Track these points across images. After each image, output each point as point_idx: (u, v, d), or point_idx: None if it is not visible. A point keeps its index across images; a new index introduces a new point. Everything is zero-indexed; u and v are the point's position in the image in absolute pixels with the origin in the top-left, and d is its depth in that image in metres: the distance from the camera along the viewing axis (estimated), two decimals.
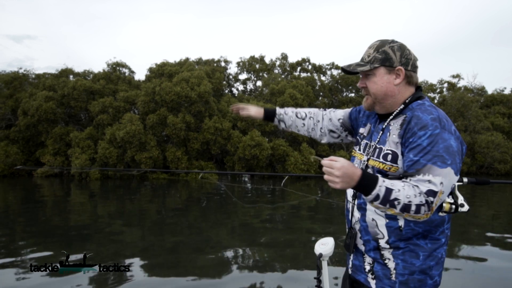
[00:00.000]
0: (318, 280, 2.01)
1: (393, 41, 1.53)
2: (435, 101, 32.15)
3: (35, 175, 22.39)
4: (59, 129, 22.87)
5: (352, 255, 1.65)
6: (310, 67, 33.84)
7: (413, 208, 1.27)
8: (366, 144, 1.62)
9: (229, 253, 6.24)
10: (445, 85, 34.49)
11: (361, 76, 1.57)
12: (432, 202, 1.28)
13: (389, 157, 1.45)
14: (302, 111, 2.02)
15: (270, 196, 13.81)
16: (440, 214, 1.45)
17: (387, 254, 1.48)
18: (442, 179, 1.29)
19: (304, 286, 4.62)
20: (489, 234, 8.26)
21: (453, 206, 1.43)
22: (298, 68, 34.13)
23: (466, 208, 1.47)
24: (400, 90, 1.51)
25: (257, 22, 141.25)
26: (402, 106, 1.50)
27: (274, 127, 23.24)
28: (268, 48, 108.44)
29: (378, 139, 1.53)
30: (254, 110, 2.06)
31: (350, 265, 1.67)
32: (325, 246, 2.15)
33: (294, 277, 5.07)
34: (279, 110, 2.04)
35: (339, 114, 1.93)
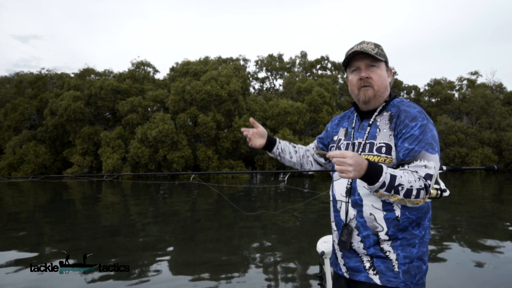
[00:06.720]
0: (321, 277, 2.01)
1: None
2: (455, 98, 32.02)
3: (65, 175, 22.32)
4: (87, 129, 22.79)
5: (343, 259, 1.64)
6: (329, 65, 33.72)
7: (414, 192, 1.37)
8: (348, 144, 1.66)
9: (252, 254, 6.12)
10: (465, 82, 34.31)
11: (360, 67, 1.58)
12: (429, 186, 1.40)
13: (383, 149, 1.52)
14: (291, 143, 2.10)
15: (276, 196, 13.54)
16: (427, 200, 1.54)
17: (386, 247, 1.51)
18: (434, 164, 1.42)
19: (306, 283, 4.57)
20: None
21: (439, 192, 1.58)
22: (318, 66, 34.02)
23: (447, 193, 1.61)
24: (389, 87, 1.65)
25: (272, 20, 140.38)
26: (384, 104, 1.62)
27: (304, 125, 23.17)
28: (284, 46, 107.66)
29: (366, 135, 1.59)
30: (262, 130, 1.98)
31: (344, 270, 1.64)
32: (327, 244, 2.12)
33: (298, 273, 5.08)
34: (277, 139, 2.04)
35: (313, 144, 2.02)
